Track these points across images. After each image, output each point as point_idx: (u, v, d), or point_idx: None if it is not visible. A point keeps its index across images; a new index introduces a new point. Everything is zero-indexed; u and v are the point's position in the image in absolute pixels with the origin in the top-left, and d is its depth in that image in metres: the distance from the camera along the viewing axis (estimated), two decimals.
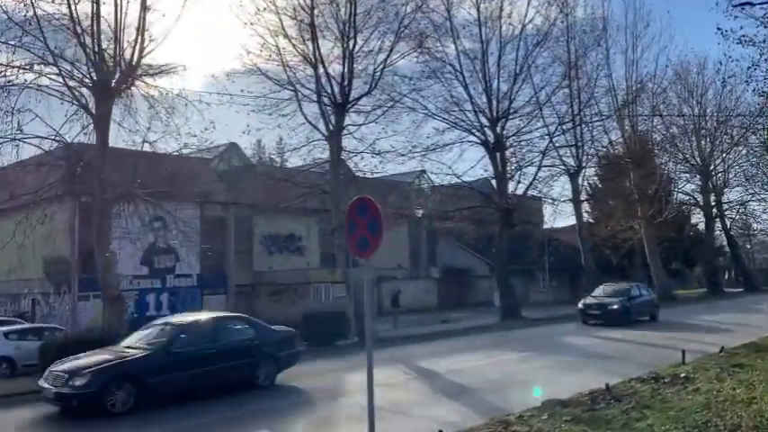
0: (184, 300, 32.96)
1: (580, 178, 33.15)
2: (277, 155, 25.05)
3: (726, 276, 60.52)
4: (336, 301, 36.38)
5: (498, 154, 26.93)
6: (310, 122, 21.71)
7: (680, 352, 12.32)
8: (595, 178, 44.30)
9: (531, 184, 26.91)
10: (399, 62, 24.21)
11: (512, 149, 28.04)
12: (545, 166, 30.58)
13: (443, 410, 9.72)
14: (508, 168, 27.33)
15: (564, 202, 33.28)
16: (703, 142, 42.43)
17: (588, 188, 44.44)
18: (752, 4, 18.70)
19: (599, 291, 25.04)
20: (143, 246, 30.84)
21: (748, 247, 69.70)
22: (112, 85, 15.09)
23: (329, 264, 40.89)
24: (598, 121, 32.61)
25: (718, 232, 51.11)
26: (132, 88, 15.98)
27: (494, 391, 11.21)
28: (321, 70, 21.26)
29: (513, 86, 26.19)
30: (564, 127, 30.78)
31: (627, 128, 37.48)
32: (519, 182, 27.07)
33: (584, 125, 32.73)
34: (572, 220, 48.62)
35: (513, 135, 27.06)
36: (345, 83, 21.09)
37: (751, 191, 48.26)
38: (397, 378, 12.73)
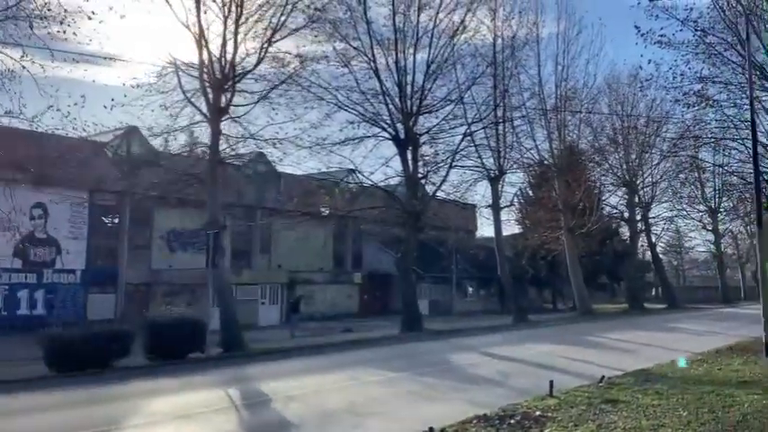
0: (64, 298, 29.63)
1: (501, 184, 31.43)
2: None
3: (653, 292, 60.72)
4: (243, 304, 33.77)
5: (410, 152, 24.95)
6: (189, 100, 19.10)
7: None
8: (526, 186, 43.26)
9: (440, 185, 25.06)
10: (312, 50, 22.02)
11: (432, 149, 26.29)
12: (465, 168, 29.02)
13: None
14: (422, 169, 25.38)
15: (484, 207, 31.69)
16: (632, 155, 41.83)
17: (520, 196, 43.40)
18: None
19: None
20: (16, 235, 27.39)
21: (675, 263, 70.44)
22: None
23: (243, 263, 38.40)
24: (520, 118, 31.15)
25: (646, 248, 51.12)
26: None
27: (314, 427, 9.01)
28: (203, 43, 18.70)
29: (425, 80, 24.30)
30: (486, 128, 29.26)
31: (554, 135, 36.38)
32: (428, 182, 25.02)
33: (507, 129, 31.34)
34: (510, 229, 47.75)
35: (426, 132, 25.12)
36: (228, 57, 18.61)
37: (678, 207, 48.36)
38: (211, 406, 10.30)
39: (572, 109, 35.62)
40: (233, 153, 20.76)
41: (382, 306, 42.21)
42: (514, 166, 32.56)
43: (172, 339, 15.08)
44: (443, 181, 24.95)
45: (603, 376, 11.36)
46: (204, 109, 19.21)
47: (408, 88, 24.63)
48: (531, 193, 43.89)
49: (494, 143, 30.68)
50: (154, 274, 33.51)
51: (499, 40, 30.10)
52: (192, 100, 19.29)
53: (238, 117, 19.41)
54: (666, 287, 51.26)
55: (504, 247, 31.98)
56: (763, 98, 20.57)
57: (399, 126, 24.68)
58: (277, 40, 18.79)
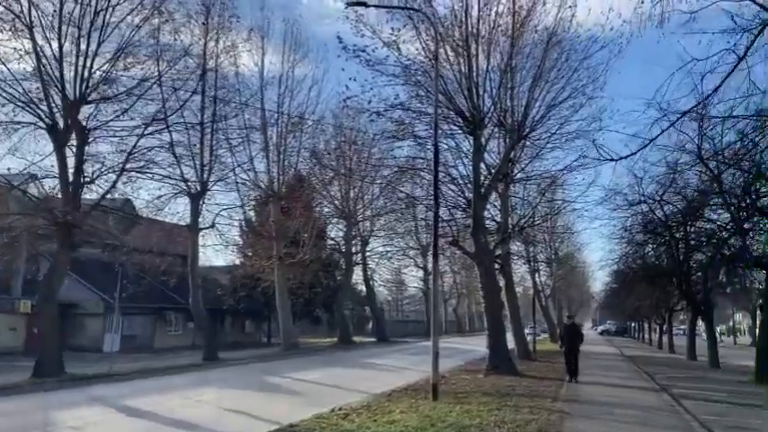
0: None
1: (202, 202, 27.72)
2: None
3: (370, 326, 62.50)
4: None
5: (76, 148, 19.85)
6: None
7: None
8: (245, 210, 40.10)
9: (105, 193, 20.14)
10: None
11: (114, 149, 21.37)
12: (145, 175, 24.57)
13: None
14: (90, 169, 20.35)
15: (183, 226, 27.62)
16: (352, 190, 41.82)
17: (242, 221, 40.02)
18: (367, 6, 16.12)
19: None
20: None
21: (389, 299, 74.36)
22: None
23: None
24: (224, 129, 28.05)
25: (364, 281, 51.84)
26: None
27: None
28: None
29: (95, 60, 19.64)
30: (188, 133, 25.72)
31: (274, 158, 34.26)
32: (85, 187, 19.87)
33: (217, 141, 28.08)
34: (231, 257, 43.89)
35: (98, 127, 20.29)
36: None
37: (395, 243, 50.12)
38: None
39: (293, 131, 34.00)
40: None
41: (61, 341, 34.63)
42: (220, 183, 29.14)
43: None
44: (112, 187, 20.14)
45: None
46: None
47: (78, 69, 19.68)
48: (253, 218, 41.03)
49: (198, 153, 27.04)
50: None
51: (213, 44, 26.83)
52: None
53: None
54: (377, 321, 52.54)
55: (198, 275, 28.13)
56: (456, 132, 20.70)
57: (60, 115, 19.46)
58: None
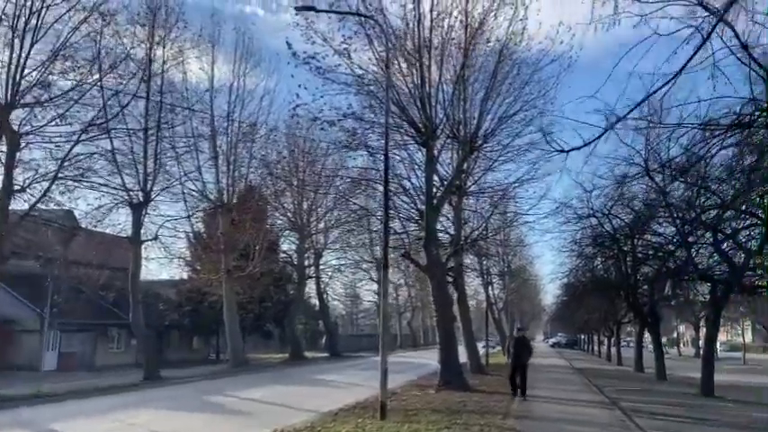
0: None
1: (144, 212, 26.42)
2: None
3: (324, 340, 61.40)
4: None
5: (6, 154, 18.64)
6: None
7: None
8: (194, 222, 38.70)
9: (36, 202, 18.99)
10: None
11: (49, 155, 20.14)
12: (98, 188, 23.45)
13: None
14: (22, 177, 19.15)
15: (124, 238, 26.35)
16: (305, 201, 41.06)
17: (190, 233, 38.58)
18: (316, 11, 15.73)
19: None
20: None
21: (344, 313, 73.39)
22: None
23: None
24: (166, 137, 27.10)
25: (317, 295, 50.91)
26: None
27: None
28: None
29: (30, 60, 18.56)
30: (131, 139, 24.72)
31: (223, 169, 33.30)
32: (16, 196, 18.69)
33: (162, 150, 27.01)
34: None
35: (31, 132, 19.13)
36: None
37: (349, 256, 49.43)
38: None
39: (244, 140, 33.19)
40: None
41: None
42: (165, 193, 27.93)
43: None
44: (43, 196, 18.97)
45: None
46: None
47: (10, 70, 18.53)
48: (201, 230, 39.69)
49: (142, 161, 25.90)
50: None
51: (157, 47, 25.85)
52: None
53: None
54: (331, 335, 51.70)
55: (139, 289, 26.75)
56: (409, 143, 20.44)
57: None
58: None
